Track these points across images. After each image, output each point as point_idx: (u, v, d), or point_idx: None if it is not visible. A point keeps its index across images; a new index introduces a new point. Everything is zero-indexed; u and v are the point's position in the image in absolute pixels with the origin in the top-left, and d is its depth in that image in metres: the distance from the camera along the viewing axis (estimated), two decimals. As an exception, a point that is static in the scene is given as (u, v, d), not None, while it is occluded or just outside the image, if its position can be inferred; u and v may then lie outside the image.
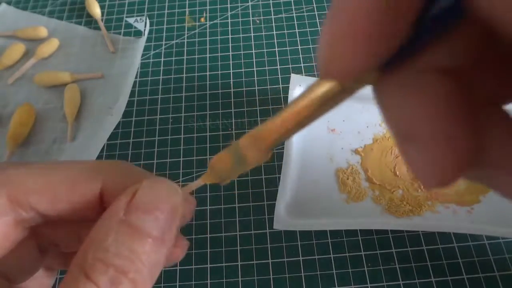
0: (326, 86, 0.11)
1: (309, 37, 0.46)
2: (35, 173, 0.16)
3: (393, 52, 0.09)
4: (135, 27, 0.49)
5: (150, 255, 0.14)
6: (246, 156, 0.14)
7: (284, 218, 0.33)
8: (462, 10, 0.09)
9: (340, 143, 0.38)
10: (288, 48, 0.45)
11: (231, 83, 0.43)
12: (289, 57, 0.45)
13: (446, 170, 0.10)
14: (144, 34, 0.47)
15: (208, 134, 0.40)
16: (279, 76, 0.43)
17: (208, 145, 0.39)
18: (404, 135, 0.11)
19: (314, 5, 0.49)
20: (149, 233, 0.14)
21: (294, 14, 0.48)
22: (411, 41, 0.09)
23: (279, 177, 0.35)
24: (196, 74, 0.44)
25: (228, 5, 0.50)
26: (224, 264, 0.33)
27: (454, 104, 0.10)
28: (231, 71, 0.44)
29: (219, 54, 0.46)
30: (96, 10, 0.49)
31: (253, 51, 0.45)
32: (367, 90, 0.12)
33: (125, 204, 0.14)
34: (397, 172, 0.36)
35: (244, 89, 0.42)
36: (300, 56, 0.44)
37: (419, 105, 0.10)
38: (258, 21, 0.48)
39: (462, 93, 0.10)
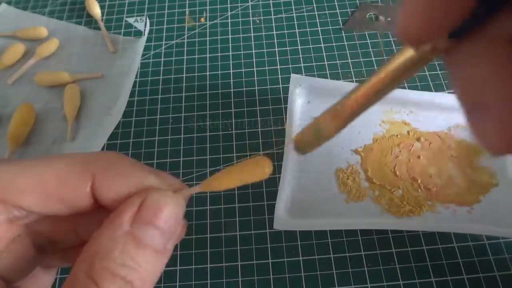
0: (404, 56, 0.12)
1: (309, 37, 0.46)
2: (24, 172, 0.16)
3: (465, 18, 0.10)
4: (135, 27, 0.49)
5: (153, 264, 0.15)
6: (324, 129, 0.16)
7: (284, 218, 0.33)
8: None
9: (340, 143, 0.38)
10: (288, 48, 0.45)
11: (231, 83, 0.43)
12: (289, 57, 0.45)
13: None
14: (144, 34, 0.47)
15: (208, 134, 0.40)
16: (279, 76, 0.43)
17: (208, 145, 0.39)
18: (473, 103, 0.11)
19: (314, 5, 0.49)
20: (153, 245, 0.15)
21: (294, 14, 0.48)
22: (482, 9, 0.10)
23: (279, 177, 0.35)
24: (196, 74, 0.44)
25: (228, 5, 0.50)
26: (224, 264, 0.33)
27: None
28: (231, 71, 0.44)
29: (219, 54, 0.46)
30: (96, 10, 0.49)
31: (253, 51, 0.45)
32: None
33: (131, 216, 0.15)
34: (397, 172, 0.36)
35: (244, 89, 0.42)
36: (300, 56, 0.44)
37: (490, 73, 0.10)
38: (258, 21, 0.48)
39: None
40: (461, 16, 0.10)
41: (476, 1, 0.10)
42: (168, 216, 0.15)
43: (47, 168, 0.16)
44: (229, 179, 0.17)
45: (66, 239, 0.18)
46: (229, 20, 0.48)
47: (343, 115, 0.15)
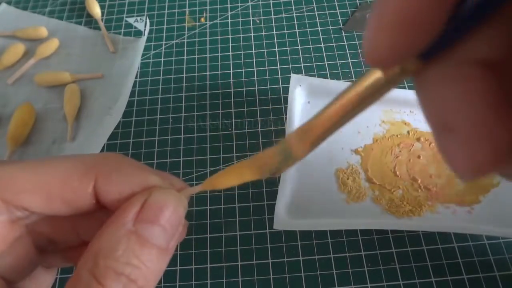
0: (371, 78, 0.12)
1: (309, 37, 0.46)
2: (26, 172, 0.16)
3: (434, 40, 0.10)
4: (135, 27, 0.49)
5: (157, 263, 0.15)
6: (292, 150, 0.15)
7: (284, 218, 0.33)
8: None
9: (340, 143, 0.38)
10: (288, 48, 0.45)
11: (231, 83, 0.43)
12: (289, 57, 0.45)
13: (483, 162, 0.10)
14: (144, 34, 0.47)
15: (208, 134, 0.40)
16: (279, 76, 0.43)
17: (208, 145, 0.39)
18: (442, 126, 0.11)
19: (314, 5, 0.49)
20: (157, 243, 0.15)
21: (294, 14, 0.48)
22: (451, 31, 0.10)
23: (279, 177, 0.35)
24: (196, 74, 0.44)
25: (228, 5, 0.50)
26: (224, 264, 0.33)
27: (494, 97, 0.10)
28: (231, 71, 0.44)
29: (219, 54, 0.46)
30: (96, 10, 0.49)
31: (253, 51, 0.45)
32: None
33: (134, 215, 0.15)
34: (397, 172, 0.36)
35: (244, 89, 0.42)
36: (300, 56, 0.44)
37: (459, 96, 0.10)
38: (258, 21, 0.48)
39: (502, 87, 0.10)
40: (431, 37, 0.10)
41: (446, 23, 0.09)
42: (171, 214, 0.16)
43: (50, 169, 0.16)
44: (230, 177, 0.17)
45: (67, 239, 0.18)
46: (229, 20, 0.48)
47: (311, 138, 0.14)
